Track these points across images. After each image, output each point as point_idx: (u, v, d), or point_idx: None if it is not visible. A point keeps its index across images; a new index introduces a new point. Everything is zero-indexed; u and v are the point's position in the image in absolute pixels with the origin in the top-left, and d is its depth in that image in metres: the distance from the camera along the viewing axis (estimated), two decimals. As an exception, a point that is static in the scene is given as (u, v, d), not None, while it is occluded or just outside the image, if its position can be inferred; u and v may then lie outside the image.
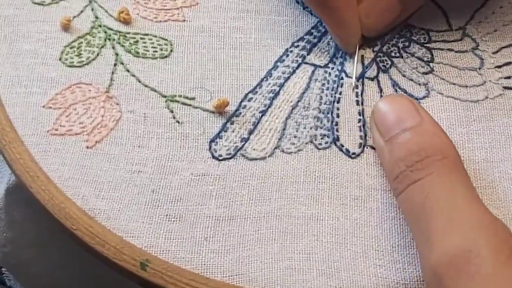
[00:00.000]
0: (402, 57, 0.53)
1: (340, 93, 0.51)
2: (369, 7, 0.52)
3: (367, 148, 0.49)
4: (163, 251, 0.45)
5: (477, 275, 0.38)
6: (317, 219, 0.47)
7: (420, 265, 0.43)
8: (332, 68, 0.52)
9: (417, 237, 0.43)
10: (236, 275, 0.45)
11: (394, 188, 0.45)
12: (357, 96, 0.51)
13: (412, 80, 0.52)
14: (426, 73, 0.52)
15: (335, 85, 0.51)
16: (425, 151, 0.44)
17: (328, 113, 0.50)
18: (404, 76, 0.52)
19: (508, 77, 0.52)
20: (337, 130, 0.50)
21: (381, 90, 0.51)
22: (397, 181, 0.45)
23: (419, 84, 0.52)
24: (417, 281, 0.45)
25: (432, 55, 0.53)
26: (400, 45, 0.54)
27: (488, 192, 0.48)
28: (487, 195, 0.47)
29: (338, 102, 0.51)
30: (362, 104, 0.51)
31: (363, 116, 0.50)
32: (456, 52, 0.53)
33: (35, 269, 0.64)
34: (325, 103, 0.51)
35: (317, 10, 0.52)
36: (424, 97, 0.51)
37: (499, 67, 0.53)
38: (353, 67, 0.52)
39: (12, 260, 0.64)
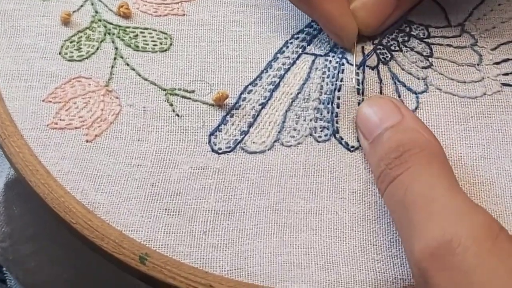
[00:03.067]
0: (401, 50, 0.53)
1: (341, 80, 0.51)
2: (361, 3, 0.52)
3: None
4: (162, 245, 0.46)
5: (460, 265, 0.38)
6: (316, 213, 0.47)
7: (407, 260, 0.43)
8: (333, 56, 0.52)
9: (401, 234, 0.43)
10: (235, 269, 0.45)
11: (378, 188, 0.46)
12: (358, 84, 0.51)
13: (411, 73, 0.52)
14: (425, 68, 0.52)
15: (336, 72, 0.51)
16: (403, 147, 0.44)
17: (328, 103, 0.50)
18: (403, 69, 0.52)
19: (506, 74, 0.52)
20: (337, 122, 0.50)
21: (381, 81, 0.51)
22: (380, 181, 0.45)
23: (418, 78, 0.52)
24: (415, 275, 0.45)
25: (431, 50, 0.53)
26: (400, 39, 0.54)
27: (486, 188, 0.48)
28: (484, 192, 0.47)
29: (339, 90, 0.50)
30: (362, 94, 0.51)
31: None
32: (455, 47, 0.53)
33: (33, 264, 0.64)
34: (325, 93, 0.51)
35: (304, 9, 0.52)
36: (422, 92, 0.51)
37: (497, 63, 0.53)
38: (353, 57, 0.52)
39: (10, 255, 0.64)
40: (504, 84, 0.51)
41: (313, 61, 0.52)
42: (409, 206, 0.42)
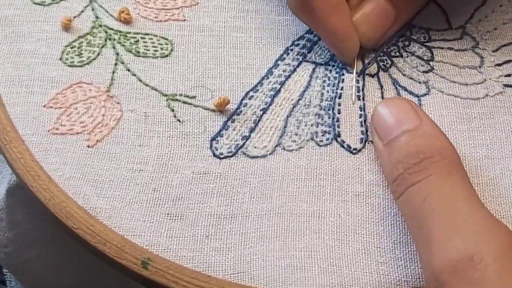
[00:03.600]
0: (402, 56, 0.53)
1: (342, 89, 0.51)
2: (363, 16, 0.51)
3: (368, 143, 0.49)
4: (164, 249, 0.45)
5: (481, 281, 0.38)
6: (319, 216, 0.47)
7: (422, 269, 0.43)
8: (333, 66, 0.52)
9: (417, 241, 0.43)
10: (238, 273, 0.45)
11: (393, 191, 0.45)
12: (358, 91, 0.51)
13: (412, 78, 0.52)
14: (426, 72, 0.52)
15: (336, 81, 0.51)
16: (423, 153, 0.44)
17: (329, 109, 0.50)
18: (404, 75, 0.52)
19: (509, 75, 0.52)
20: (338, 126, 0.50)
21: (381, 87, 0.51)
22: (396, 184, 0.44)
23: (419, 82, 0.52)
24: (419, 278, 0.44)
25: (432, 53, 0.53)
26: (400, 44, 0.54)
27: (490, 189, 0.47)
28: (488, 192, 0.47)
29: (339, 97, 0.51)
30: (363, 99, 0.51)
31: (364, 111, 0.50)
32: (456, 50, 0.53)
33: (37, 269, 0.64)
34: (326, 100, 0.51)
35: (307, 22, 0.52)
36: (424, 95, 0.51)
37: (499, 65, 0.53)
38: (353, 64, 0.52)
39: (14, 260, 0.64)
40: (506, 85, 0.51)
41: (314, 70, 0.52)
42: (428, 216, 0.41)
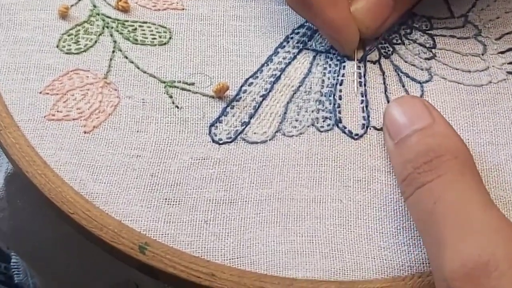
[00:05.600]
0: (403, 43, 0.52)
1: (343, 75, 0.50)
2: (361, 6, 0.51)
3: (370, 129, 0.48)
4: (162, 234, 0.44)
5: None
6: (320, 202, 0.46)
7: (432, 271, 0.42)
8: (334, 54, 0.52)
9: (427, 244, 0.41)
10: (237, 258, 0.44)
11: (402, 191, 0.44)
12: (360, 77, 0.50)
13: (414, 65, 0.51)
14: (428, 59, 0.52)
15: (337, 68, 0.51)
16: (434, 152, 0.42)
17: (330, 95, 0.49)
18: (406, 62, 0.51)
19: None
20: (339, 112, 0.49)
21: (383, 73, 0.51)
22: (405, 184, 0.43)
23: (422, 69, 0.51)
24: (422, 263, 0.43)
25: (434, 41, 0.53)
26: (402, 32, 0.53)
27: (494, 175, 0.47)
28: (492, 178, 0.47)
29: (341, 84, 0.50)
30: (365, 85, 0.50)
31: (366, 97, 0.49)
32: (458, 38, 0.53)
33: (47, 254, 0.63)
34: (327, 86, 0.50)
35: (305, 16, 0.52)
36: (426, 81, 0.50)
37: (502, 52, 0.52)
38: (354, 52, 0.51)
39: (23, 247, 0.64)
40: (509, 73, 0.51)
41: (314, 57, 0.52)
42: (440, 219, 0.40)
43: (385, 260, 0.44)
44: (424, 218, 0.41)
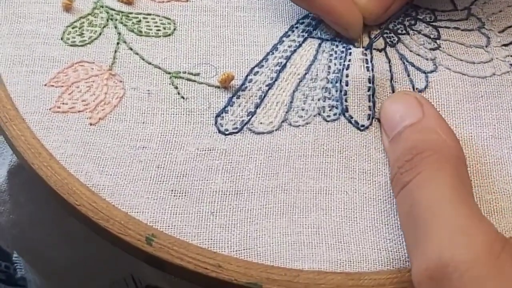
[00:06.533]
0: (408, 34, 0.52)
1: (349, 61, 0.50)
2: None
3: (375, 120, 0.48)
4: (168, 226, 0.44)
5: None
6: (326, 193, 0.46)
7: None
8: (340, 41, 0.51)
9: (407, 249, 0.42)
10: (244, 250, 0.44)
11: (393, 191, 0.44)
12: (366, 62, 0.50)
13: (419, 55, 0.51)
14: (433, 49, 0.52)
15: (343, 55, 0.50)
16: (416, 149, 0.42)
17: (336, 82, 0.49)
18: (411, 51, 0.51)
19: None
20: (345, 100, 0.49)
21: (389, 61, 0.51)
22: (393, 185, 0.43)
23: (427, 59, 0.51)
24: (429, 254, 0.43)
25: (438, 32, 0.53)
26: (406, 23, 0.53)
27: (497, 168, 0.47)
28: (496, 171, 0.47)
29: (347, 69, 0.50)
30: (372, 70, 0.50)
31: (373, 83, 0.49)
32: (462, 30, 0.53)
33: (45, 250, 0.63)
34: (333, 72, 0.50)
35: (301, 4, 0.52)
36: (431, 72, 0.50)
37: (505, 45, 0.52)
38: (360, 40, 0.51)
39: (21, 242, 0.63)
40: None
41: (320, 45, 0.52)
42: (414, 221, 0.40)
43: (391, 251, 0.44)
44: (404, 220, 0.42)
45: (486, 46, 0.52)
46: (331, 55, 0.51)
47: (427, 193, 0.40)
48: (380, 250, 0.44)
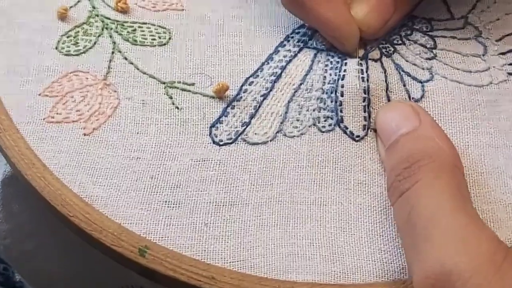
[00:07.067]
0: (404, 44, 0.52)
1: (345, 71, 0.50)
2: (361, 7, 0.50)
3: (370, 131, 0.48)
4: (162, 237, 0.44)
5: None
6: (320, 204, 0.46)
7: None
8: (335, 52, 0.51)
9: (405, 257, 0.42)
10: (238, 261, 0.44)
11: (389, 200, 0.44)
12: (362, 73, 0.50)
13: (415, 64, 0.51)
14: (429, 59, 0.51)
15: (339, 65, 0.50)
16: (413, 157, 0.42)
17: (332, 92, 0.49)
18: (407, 61, 0.51)
19: None
20: (341, 111, 0.48)
21: (385, 71, 0.50)
22: (390, 193, 0.43)
23: (423, 69, 0.51)
24: (424, 266, 0.43)
25: (435, 42, 0.52)
26: (402, 33, 0.53)
27: (494, 177, 0.46)
28: (492, 181, 0.46)
29: (342, 79, 0.49)
30: (367, 81, 0.49)
31: (368, 94, 0.49)
32: (459, 39, 0.53)
33: (36, 261, 0.63)
34: (328, 82, 0.49)
35: (297, 14, 0.51)
36: (428, 81, 0.50)
37: (503, 54, 0.52)
38: (355, 51, 0.51)
39: (13, 252, 0.63)
40: (510, 74, 0.51)
41: (315, 55, 0.51)
42: (412, 229, 0.40)
43: (386, 263, 0.43)
44: (402, 228, 0.41)
45: (483, 55, 0.52)
46: (326, 65, 0.50)
47: (426, 201, 0.40)
48: (375, 261, 0.44)
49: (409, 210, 0.40)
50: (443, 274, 0.37)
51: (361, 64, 0.50)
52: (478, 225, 0.39)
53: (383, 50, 0.52)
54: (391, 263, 0.43)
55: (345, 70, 0.50)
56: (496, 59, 0.51)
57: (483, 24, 0.53)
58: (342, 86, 0.49)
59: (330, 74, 0.50)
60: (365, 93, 0.49)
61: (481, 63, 0.51)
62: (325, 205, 0.46)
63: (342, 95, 0.49)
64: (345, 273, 0.43)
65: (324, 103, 0.49)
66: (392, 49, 0.52)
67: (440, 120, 0.48)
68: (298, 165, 0.47)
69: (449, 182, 0.41)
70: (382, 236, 0.44)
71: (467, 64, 0.51)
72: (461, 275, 0.36)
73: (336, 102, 0.49)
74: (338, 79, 0.49)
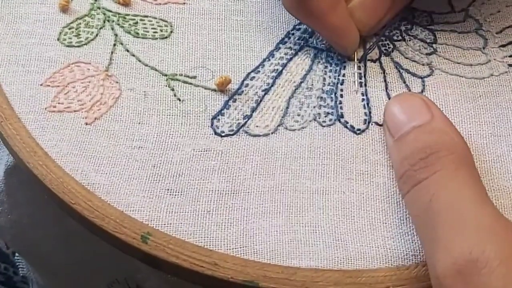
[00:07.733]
0: (404, 40, 0.52)
1: (344, 75, 0.50)
2: (357, 3, 0.51)
3: (372, 124, 0.48)
4: (164, 224, 0.44)
5: (485, 287, 0.36)
6: (323, 193, 0.46)
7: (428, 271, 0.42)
8: (335, 53, 0.52)
9: (423, 242, 0.42)
10: (241, 247, 0.43)
11: (400, 188, 0.44)
12: (360, 77, 0.50)
13: (415, 61, 0.51)
14: (429, 54, 0.52)
15: (338, 68, 0.51)
16: (430, 148, 0.42)
17: (331, 93, 0.49)
18: (406, 58, 0.51)
19: None
20: (341, 108, 0.49)
21: (384, 71, 0.51)
22: (402, 181, 0.43)
23: (423, 64, 0.51)
24: (427, 253, 0.43)
25: (435, 36, 0.53)
26: (403, 28, 0.53)
27: (497, 166, 0.47)
28: (496, 169, 0.46)
29: (341, 84, 0.50)
30: (365, 85, 0.50)
31: (366, 96, 0.49)
32: (459, 33, 0.53)
33: (44, 250, 0.63)
34: (328, 84, 0.50)
35: (306, 22, 0.51)
36: (427, 76, 0.50)
37: (503, 46, 0.52)
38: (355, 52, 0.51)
39: (21, 242, 0.63)
40: (511, 65, 0.51)
41: (315, 54, 0.52)
42: (434, 216, 0.40)
43: (389, 249, 0.43)
44: (420, 215, 0.41)
45: (484, 48, 0.52)
46: (326, 67, 0.51)
47: (450, 190, 0.40)
48: (378, 247, 0.44)
49: (430, 199, 0.40)
50: (470, 261, 0.37)
51: (359, 68, 0.50)
52: (501, 215, 0.40)
53: (382, 49, 0.52)
54: (395, 250, 0.43)
55: (344, 75, 0.50)
56: (497, 51, 0.52)
57: (483, 16, 0.54)
58: (342, 90, 0.50)
59: (330, 77, 0.50)
60: (363, 96, 0.50)
61: (481, 56, 0.52)
62: (327, 194, 0.46)
63: (342, 97, 0.49)
64: (348, 258, 0.43)
65: (324, 101, 0.49)
66: (392, 46, 0.52)
67: (442, 111, 0.48)
68: (300, 156, 0.47)
69: (469, 176, 0.41)
70: (385, 223, 0.44)
71: (468, 57, 0.51)
72: (489, 263, 0.36)
73: (336, 101, 0.49)
74: (338, 83, 0.50)
